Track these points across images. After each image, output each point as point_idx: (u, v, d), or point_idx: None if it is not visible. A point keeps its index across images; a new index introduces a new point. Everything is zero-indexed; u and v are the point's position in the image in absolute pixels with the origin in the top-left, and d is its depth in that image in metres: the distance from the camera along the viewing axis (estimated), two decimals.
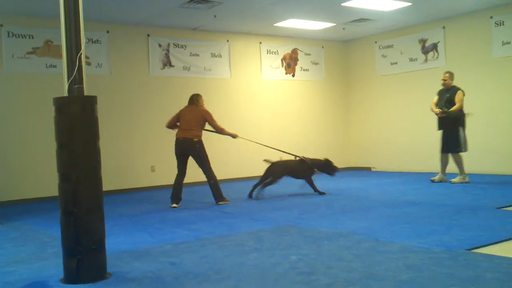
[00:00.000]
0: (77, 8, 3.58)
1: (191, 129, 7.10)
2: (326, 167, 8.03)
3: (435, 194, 7.23)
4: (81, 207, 3.54)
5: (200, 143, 7.10)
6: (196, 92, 7.57)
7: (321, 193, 7.76)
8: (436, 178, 8.64)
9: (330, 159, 8.11)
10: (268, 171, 7.72)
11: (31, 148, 8.50)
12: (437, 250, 3.95)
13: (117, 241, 4.84)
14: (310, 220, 5.60)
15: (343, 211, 6.12)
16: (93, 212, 3.60)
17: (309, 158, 7.97)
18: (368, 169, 11.83)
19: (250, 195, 7.72)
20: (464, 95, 8.34)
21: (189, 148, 7.11)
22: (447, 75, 8.50)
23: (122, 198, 8.50)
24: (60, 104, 3.60)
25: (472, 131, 9.86)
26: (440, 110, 8.29)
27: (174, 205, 7.13)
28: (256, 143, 8.41)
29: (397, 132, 11.01)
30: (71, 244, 3.54)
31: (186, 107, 7.37)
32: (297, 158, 7.99)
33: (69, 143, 3.57)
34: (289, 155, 8.02)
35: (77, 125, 3.57)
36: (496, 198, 6.60)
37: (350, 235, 4.67)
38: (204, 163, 7.13)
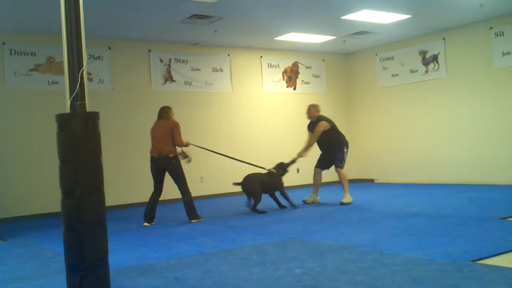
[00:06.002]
0: (78, 25, 3.60)
1: (164, 145, 6.93)
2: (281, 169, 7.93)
3: (439, 206, 7.20)
4: (84, 223, 3.53)
5: (176, 158, 6.96)
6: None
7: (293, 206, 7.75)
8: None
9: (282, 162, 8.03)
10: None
11: (34, 164, 8.51)
12: (442, 262, 3.93)
13: (121, 256, 4.82)
14: (314, 233, 5.58)
15: (347, 224, 6.09)
16: (96, 228, 3.59)
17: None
18: (371, 181, 11.80)
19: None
20: (325, 125, 8.31)
21: (165, 165, 6.96)
22: (309, 106, 8.55)
23: (125, 213, 8.48)
24: (63, 121, 3.61)
25: (473, 142, 9.87)
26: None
27: (146, 224, 6.95)
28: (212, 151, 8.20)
29: (399, 144, 11.01)
30: (75, 260, 3.53)
31: (155, 122, 7.19)
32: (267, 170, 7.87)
33: (72, 159, 3.57)
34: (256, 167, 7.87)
35: (79, 141, 3.57)
36: (501, 209, 6.56)
37: (354, 247, 4.65)
38: (179, 179, 6.99)
